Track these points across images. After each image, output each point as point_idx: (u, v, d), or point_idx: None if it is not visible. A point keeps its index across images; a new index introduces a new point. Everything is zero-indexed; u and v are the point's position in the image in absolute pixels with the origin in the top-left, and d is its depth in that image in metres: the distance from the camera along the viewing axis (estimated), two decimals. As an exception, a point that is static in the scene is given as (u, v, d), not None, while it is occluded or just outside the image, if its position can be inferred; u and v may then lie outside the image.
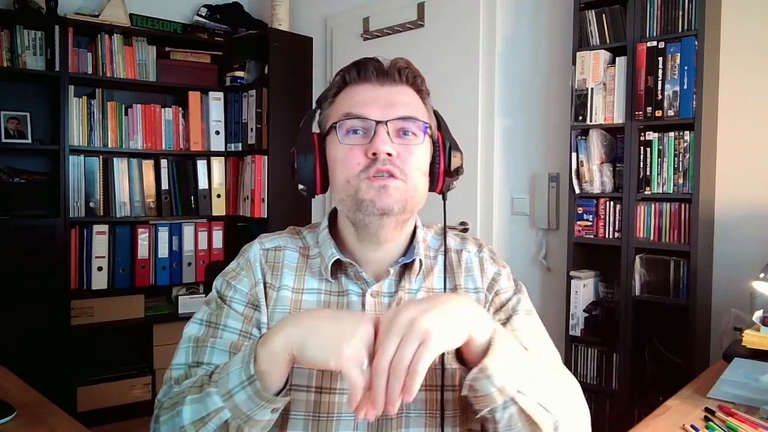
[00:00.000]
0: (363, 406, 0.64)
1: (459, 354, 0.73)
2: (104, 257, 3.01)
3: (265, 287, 0.87)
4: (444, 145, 0.87)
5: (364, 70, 0.85)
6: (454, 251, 0.94)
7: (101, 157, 3.03)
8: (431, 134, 0.87)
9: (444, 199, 0.90)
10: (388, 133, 0.80)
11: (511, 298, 0.91)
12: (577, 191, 2.10)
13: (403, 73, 0.86)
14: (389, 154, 0.80)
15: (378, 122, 0.81)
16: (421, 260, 0.88)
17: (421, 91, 0.88)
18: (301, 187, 0.86)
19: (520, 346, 0.75)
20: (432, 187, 0.88)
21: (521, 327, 0.87)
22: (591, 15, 2.06)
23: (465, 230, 0.88)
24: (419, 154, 0.84)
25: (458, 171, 0.89)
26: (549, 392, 0.74)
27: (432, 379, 0.84)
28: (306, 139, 0.86)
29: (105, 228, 3.02)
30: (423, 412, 0.83)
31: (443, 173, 0.87)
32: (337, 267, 0.87)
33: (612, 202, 2.03)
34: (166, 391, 0.82)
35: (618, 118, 2.00)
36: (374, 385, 0.63)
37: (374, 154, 0.80)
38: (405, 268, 0.88)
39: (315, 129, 0.90)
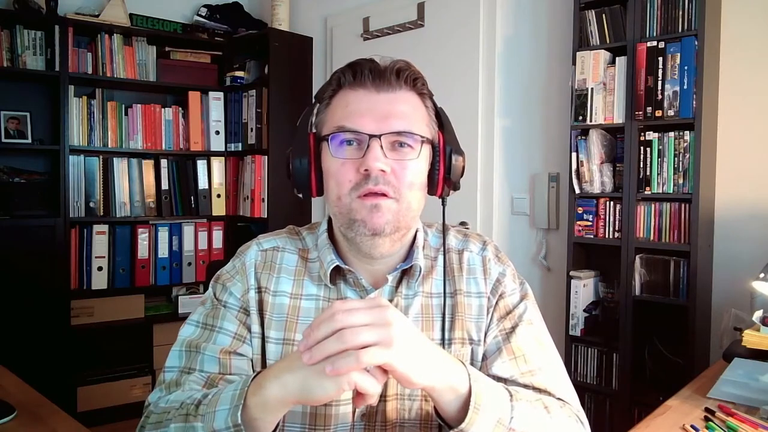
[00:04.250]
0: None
1: (436, 409, 0.71)
2: (104, 257, 3.01)
3: (259, 292, 0.86)
4: (444, 150, 0.83)
5: (360, 73, 0.80)
6: (455, 251, 0.91)
7: (101, 157, 3.03)
8: (431, 139, 0.83)
9: (443, 204, 0.87)
10: (381, 147, 0.77)
11: (517, 305, 0.88)
12: (577, 191, 2.10)
13: (402, 76, 0.81)
14: (383, 171, 0.77)
15: (371, 136, 0.77)
16: (420, 266, 0.86)
17: (423, 94, 0.84)
18: (296, 190, 0.84)
19: (505, 393, 0.73)
20: (431, 191, 0.85)
21: (525, 339, 0.85)
22: (591, 15, 2.06)
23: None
24: (414, 169, 0.80)
25: (458, 177, 0.85)
26: None
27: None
28: (302, 140, 0.83)
29: (105, 228, 3.02)
30: (417, 421, 0.83)
31: (442, 180, 0.84)
32: (336, 273, 0.85)
33: (612, 202, 2.03)
34: (157, 395, 0.81)
35: (618, 118, 2.00)
36: (320, 344, 0.61)
37: (366, 170, 0.77)
38: (404, 273, 0.87)
39: (313, 127, 0.86)
